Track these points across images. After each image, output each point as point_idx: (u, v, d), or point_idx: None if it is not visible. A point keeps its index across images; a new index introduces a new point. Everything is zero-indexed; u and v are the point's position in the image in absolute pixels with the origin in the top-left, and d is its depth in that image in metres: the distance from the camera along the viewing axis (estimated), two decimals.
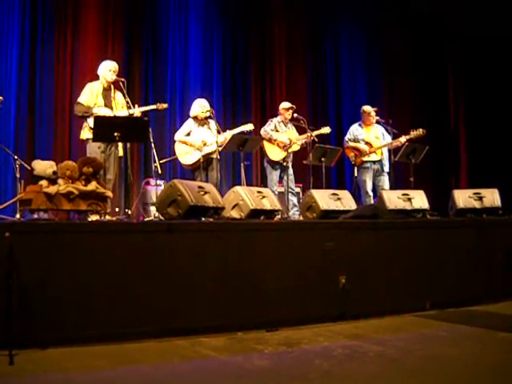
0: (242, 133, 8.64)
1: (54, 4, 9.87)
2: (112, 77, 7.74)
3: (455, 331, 5.32)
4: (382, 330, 5.32)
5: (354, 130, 9.87)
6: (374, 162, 9.67)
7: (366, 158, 9.62)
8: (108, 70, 7.77)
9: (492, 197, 7.53)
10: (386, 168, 9.69)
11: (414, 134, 9.38)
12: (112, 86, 7.81)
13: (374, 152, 9.63)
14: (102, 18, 10.41)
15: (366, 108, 9.90)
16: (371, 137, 9.74)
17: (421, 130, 9.38)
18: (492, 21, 12.87)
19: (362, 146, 9.65)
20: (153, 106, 8.11)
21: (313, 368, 4.06)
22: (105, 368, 4.02)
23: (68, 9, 10.01)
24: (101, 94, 7.70)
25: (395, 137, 9.50)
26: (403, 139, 9.34)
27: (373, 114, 9.77)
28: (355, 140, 9.76)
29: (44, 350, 4.30)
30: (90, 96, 7.64)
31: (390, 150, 9.54)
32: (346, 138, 9.90)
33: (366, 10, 13.72)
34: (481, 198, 7.49)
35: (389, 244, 6.15)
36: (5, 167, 8.89)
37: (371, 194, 9.54)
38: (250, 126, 8.79)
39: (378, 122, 9.85)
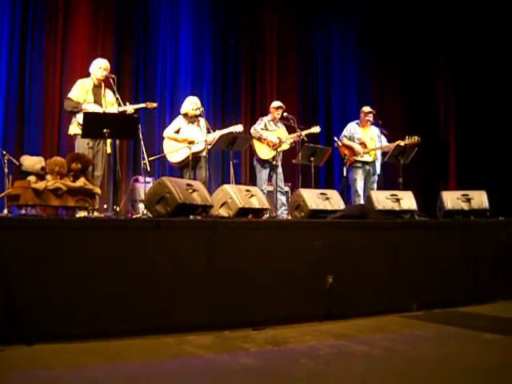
0: (231, 133, 8.64)
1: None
2: (102, 74, 7.75)
3: (441, 332, 5.34)
4: (369, 330, 5.32)
5: (352, 128, 9.91)
6: (367, 163, 9.69)
7: (358, 158, 9.64)
8: (98, 67, 7.80)
9: (480, 199, 7.55)
10: (378, 170, 9.72)
11: (409, 140, 9.36)
12: (102, 84, 7.83)
13: (368, 153, 9.66)
14: (93, 14, 10.40)
15: (365, 108, 9.94)
16: (367, 137, 9.78)
17: (416, 137, 9.37)
18: (483, 28, 12.95)
19: (356, 146, 9.67)
20: (142, 105, 8.15)
21: (299, 367, 4.06)
22: (90, 365, 4.00)
23: (59, 4, 9.99)
24: (91, 91, 7.72)
25: (389, 139, 9.56)
26: (402, 144, 9.33)
27: (370, 115, 9.81)
28: (351, 138, 9.78)
29: (30, 346, 4.27)
30: (80, 92, 7.67)
31: (382, 153, 9.57)
32: (342, 134, 9.92)
33: (359, 14, 13.77)
34: (469, 200, 7.51)
35: (376, 244, 6.15)
36: None
37: (361, 193, 9.55)
38: (239, 127, 8.77)
39: (373, 124, 9.88)
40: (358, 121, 9.98)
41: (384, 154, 9.39)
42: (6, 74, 9.47)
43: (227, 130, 8.73)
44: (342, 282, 5.74)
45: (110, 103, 7.80)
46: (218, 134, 8.59)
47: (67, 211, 5.83)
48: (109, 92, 7.86)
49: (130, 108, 7.80)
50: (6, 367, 3.85)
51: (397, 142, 9.39)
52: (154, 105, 8.26)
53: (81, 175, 5.87)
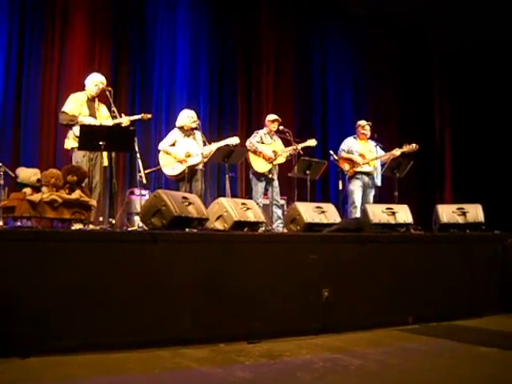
0: (227, 146, 8.64)
1: (41, 13, 9.83)
2: (97, 91, 7.77)
3: (436, 346, 5.33)
4: (364, 343, 5.32)
5: (349, 142, 9.89)
6: (366, 174, 9.68)
7: (358, 169, 9.64)
8: (95, 84, 7.79)
9: (475, 212, 7.56)
10: (378, 182, 9.70)
11: (407, 148, 9.45)
12: (96, 98, 7.83)
13: (367, 163, 9.65)
14: (90, 27, 10.38)
15: (361, 122, 9.96)
16: (365, 150, 9.76)
17: (414, 145, 9.45)
18: (477, 35, 12.98)
19: (355, 157, 9.66)
20: (138, 116, 8.11)
21: (294, 381, 4.05)
22: (84, 378, 3.98)
23: (56, 18, 9.98)
24: (85, 104, 7.70)
25: (385, 151, 9.57)
26: (398, 152, 9.39)
27: (366, 127, 9.83)
28: (349, 152, 9.77)
29: (24, 359, 4.25)
30: (75, 105, 7.64)
31: (382, 165, 9.56)
32: (341, 149, 9.89)
33: (354, 26, 13.84)
34: (464, 214, 7.52)
35: (372, 258, 6.16)
36: None
37: (358, 205, 9.51)
38: (235, 140, 8.77)
39: (370, 138, 9.89)
40: (355, 135, 9.98)
41: (383, 166, 9.37)
42: (2, 87, 9.44)
43: (223, 142, 8.72)
44: (338, 296, 5.74)
45: (105, 117, 7.78)
46: (214, 146, 8.58)
47: (63, 223, 5.81)
48: (103, 107, 7.86)
49: (125, 120, 7.79)
50: None
51: (394, 150, 9.43)
52: (149, 116, 8.24)
53: (76, 187, 5.86)
